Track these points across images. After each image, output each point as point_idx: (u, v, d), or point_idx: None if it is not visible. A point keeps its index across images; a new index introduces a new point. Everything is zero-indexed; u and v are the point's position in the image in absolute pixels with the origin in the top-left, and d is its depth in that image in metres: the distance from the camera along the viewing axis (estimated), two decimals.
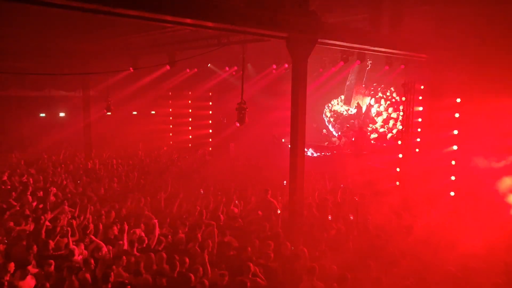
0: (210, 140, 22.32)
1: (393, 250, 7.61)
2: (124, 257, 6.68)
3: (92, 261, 6.55)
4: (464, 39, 11.09)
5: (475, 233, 7.83)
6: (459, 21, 11.02)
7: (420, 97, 13.49)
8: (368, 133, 17.45)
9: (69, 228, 7.64)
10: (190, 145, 22.41)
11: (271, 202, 10.05)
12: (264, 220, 9.34)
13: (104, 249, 7.18)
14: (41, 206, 9.51)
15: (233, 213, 9.71)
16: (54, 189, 10.78)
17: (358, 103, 18.44)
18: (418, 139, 13.50)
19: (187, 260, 6.70)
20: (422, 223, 9.29)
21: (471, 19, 10.73)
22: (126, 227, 7.82)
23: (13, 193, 10.57)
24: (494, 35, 10.40)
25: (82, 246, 7.32)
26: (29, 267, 6.26)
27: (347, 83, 18.29)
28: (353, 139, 16.93)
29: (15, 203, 9.67)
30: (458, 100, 12.32)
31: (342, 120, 18.82)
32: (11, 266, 6.13)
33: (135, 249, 7.23)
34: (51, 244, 7.28)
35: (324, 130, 18.63)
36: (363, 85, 18.20)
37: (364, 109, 18.43)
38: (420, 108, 13.78)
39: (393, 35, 10.77)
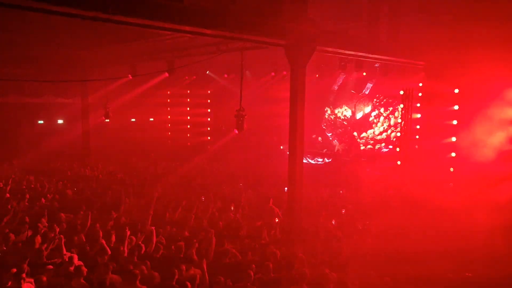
0: (209, 147, 22.30)
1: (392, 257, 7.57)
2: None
3: (84, 268, 6.47)
4: (461, 46, 11.17)
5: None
6: (456, 28, 11.12)
7: (418, 104, 13.55)
8: (358, 140, 17.50)
9: (62, 236, 7.57)
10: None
11: (273, 210, 10.01)
12: (262, 228, 9.29)
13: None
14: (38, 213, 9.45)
15: (230, 220, 9.68)
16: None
17: (354, 109, 18.61)
18: (416, 146, 13.54)
19: (184, 267, 6.65)
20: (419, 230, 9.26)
21: (468, 25, 10.83)
22: (129, 233, 7.78)
23: (10, 199, 10.51)
24: (490, 40, 10.48)
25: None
26: (24, 275, 6.18)
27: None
28: (341, 145, 17.06)
29: (12, 210, 9.60)
30: (456, 107, 12.38)
31: (336, 124, 18.95)
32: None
33: (135, 257, 7.18)
34: (44, 252, 7.21)
35: (320, 138, 18.66)
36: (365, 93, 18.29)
37: (359, 115, 18.51)
38: (418, 115, 13.86)
39: (391, 42, 10.84)
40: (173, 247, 7.80)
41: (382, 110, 17.76)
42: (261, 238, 8.59)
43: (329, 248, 8.22)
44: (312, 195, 12.50)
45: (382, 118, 17.80)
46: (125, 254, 7.26)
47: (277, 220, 9.85)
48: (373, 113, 18.06)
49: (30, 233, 8.10)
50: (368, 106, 18.18)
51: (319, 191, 13.17)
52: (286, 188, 12.47)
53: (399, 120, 15.20)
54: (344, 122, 18.74)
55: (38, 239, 7.75)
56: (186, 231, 8.78)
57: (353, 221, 9.88)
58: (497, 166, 10.65)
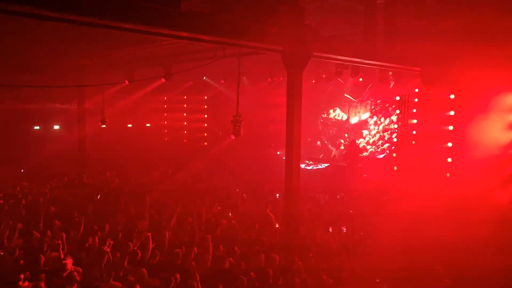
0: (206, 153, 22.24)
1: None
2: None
3: (77, 274, 6.43)
4: (457, 51, 11.24)
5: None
6: (451, 34, 11.19)
7: (414, 110, 13.62)
8: (360, 146, 17.53)
9: (60, 242, 7.52)
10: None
11: (269, 216, 9.98)
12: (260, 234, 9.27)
13: None
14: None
15: (228, 226, 9.64)
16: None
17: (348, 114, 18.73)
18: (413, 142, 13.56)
19: (178, 276, 6.60)
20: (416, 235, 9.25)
21: (465, 31, 10.91)
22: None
23: (6, 206, 10.44)
24: (487, 45, 10.54)
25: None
26: (20, 283, 6.14)
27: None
28: (344, 152, 17.05)
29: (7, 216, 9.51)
30: (452, 112, 12.44)
31: (334, 133, 18.99)
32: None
33: (125, 262, 7.12)
34: (42, 258, 7.15)
35: (318, 142, 18.71)
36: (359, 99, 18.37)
37: (355, 120, 18.57)
38: (414, 121, 13.91)
39: (387, 48, 10.88)
40: (165, 251, 7.75)
41: (379, 115, 17.83)
42: (259, 244, 8.56)
43: (326, 254, 8.21)
44: (310, 201, 12.49)
45: (378, 124, 17.86)
46: (124, 261, 7.20)
47: (277, 226, 9.83)
48: (370, 119, 18.11)
49: (22, 240, 8.05)
50: (365, 112, 18.23)
51: (316, 197, 13.16)
52: (277, 195, 12.50)
53: (395, 126, 15.26)
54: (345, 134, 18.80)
55: (36, 244, 7.71)
56: (183, 237, 8.74)
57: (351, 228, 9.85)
58: (494, 170, 10.66)
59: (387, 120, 17.43)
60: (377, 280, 6.95)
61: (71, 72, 15.10)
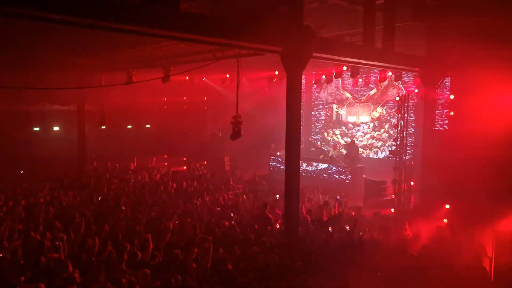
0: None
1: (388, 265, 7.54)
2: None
3: (77, 276, 6.42)
4: (456, 52, 11.25)
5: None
6: (450, 35, 11.22)
7: (413, 110, 13.64)
8: (359, 146, 17.55)
9: (61, 242, 7.52)
10: (184, 158, 22.32)
11: (269, 217, 9.99)
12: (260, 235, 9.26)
13: None
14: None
15: (228, 226, 9.63)
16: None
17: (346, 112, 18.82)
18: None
19: (179, 277, 6.60)
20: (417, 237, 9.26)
21: (462, 33, 10.93)
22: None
23: (5, 207, 10.44)
24: (485, 46, 10.56)
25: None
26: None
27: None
28: (336, 151, 17.07)
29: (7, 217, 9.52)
30: (451, 113, 12.45)
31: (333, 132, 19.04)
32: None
33: (124, 264, 7.11)
34: (42, 260, 7.14)
35: (318, 143, 18.72)
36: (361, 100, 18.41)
37: (353, 119, 18.61)
38: (413, 122, 13.94)
39: (386, 49, 10.89)
40: (162, 253, 7.74)
41: (377, 115, 17.84)
42: (259, 245, 8.55)
43: (326, 254, 8.20)
44: (310, 201, 12.50)
45: (376, 129, 17.87)
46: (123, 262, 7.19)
47: (277, 227, 9.83)
48: (371, 123, 18.13)
49: (21, 241, 8.04)
50: (365, 115, 18.25)
51: (316, 197, 13.16)
52: (277, 196, 12.51)
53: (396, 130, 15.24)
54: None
55: (36, 246, 7.70)
56: (183, 238, 8.73)
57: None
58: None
59: (387, 126, 17.45)
60: (378, 274, 6.97)
61: (71, 73, 15.11)
